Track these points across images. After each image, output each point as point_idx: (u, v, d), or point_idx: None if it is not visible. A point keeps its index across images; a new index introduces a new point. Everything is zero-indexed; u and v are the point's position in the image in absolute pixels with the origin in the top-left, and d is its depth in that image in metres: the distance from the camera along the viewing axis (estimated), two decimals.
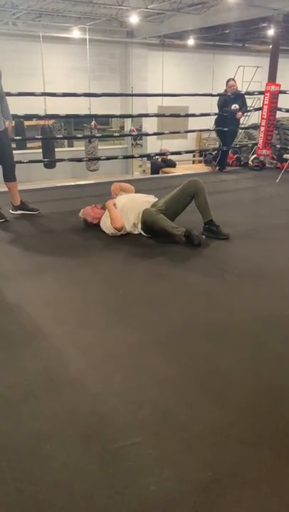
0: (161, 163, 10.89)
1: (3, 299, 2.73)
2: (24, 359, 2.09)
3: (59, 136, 11.50)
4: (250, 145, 8.21)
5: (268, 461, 1.52)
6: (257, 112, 8.39)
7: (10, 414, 1.74)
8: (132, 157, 11.18)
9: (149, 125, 12.53)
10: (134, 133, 11.75)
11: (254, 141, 8.04)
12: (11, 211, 4.48)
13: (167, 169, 10.55)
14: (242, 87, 10.26)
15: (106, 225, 3.83)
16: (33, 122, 11.04)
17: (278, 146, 7.59)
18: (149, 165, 11.98)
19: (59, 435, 1.62)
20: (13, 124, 5.17)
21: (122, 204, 3.85)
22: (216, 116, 7.26)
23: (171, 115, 7.74)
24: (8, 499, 1.38)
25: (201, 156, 11.41)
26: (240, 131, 8.58)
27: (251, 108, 9.21)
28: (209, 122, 8.01)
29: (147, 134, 10.80)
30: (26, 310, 2.57)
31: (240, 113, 7.02)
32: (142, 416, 1.71)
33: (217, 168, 7.31)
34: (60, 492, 1.40)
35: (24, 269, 3.21)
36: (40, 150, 9.05)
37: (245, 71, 12.86)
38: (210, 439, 1.61)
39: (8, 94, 4.43)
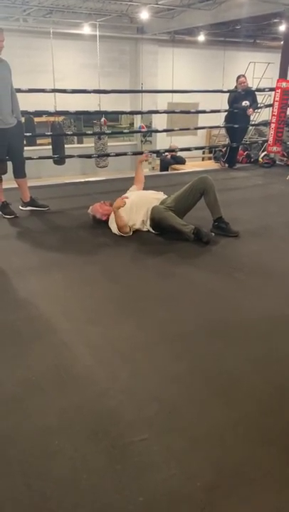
0: (170, 159, 10.82)
1: (12, 295, 2.75)
2: (32, 355, 2.11)
3: (69, 132, 11.53)
4: (261, 142, 8.16)
5: (274, 459, 1.52)
6: (267, 108, 8.32)
7: (18, 409, 1.76)
8: (142, 154, 11.12)
9: (159, 122, 12.49)
10: (143, 129, 11.70)
11: (264, 138, 7.98)
12: (20, 207, 4.51)
13: (177, 166, 10.49)
14: (253, 84, 10.22)
15: (113, 226, 3.82)
16: (43, 119, 11.12)
17: None
18: (158, 162, 11.95)
19: (67, 431, 1.64)
20: (23, 121, 5.18)
21: (131, 201, 3.84)
22: (226, 112, 7.22)
23: (181, 112, 7.69)
24: (16, 493, 1.40)
25: (210, 152, 11.37)
26: (250, 127, 8.53)
27: (262, 105, 9.13)
28: (219, 119, 7.97)
29: (157, 131, 10.75)
30: (34, 306, 2.58)
31: (250, 110, 6.96)
32: (149, 413, 1.72)
33: (226, 165, 7.27)
34: (67, 487, 1.41)
35: (33, 266, 3.22)
36: (50, 146, 9.10)
37: (256, 67, 12.77)
38: (217, 436, 1.61)
39: (19, 90, 4.44)
